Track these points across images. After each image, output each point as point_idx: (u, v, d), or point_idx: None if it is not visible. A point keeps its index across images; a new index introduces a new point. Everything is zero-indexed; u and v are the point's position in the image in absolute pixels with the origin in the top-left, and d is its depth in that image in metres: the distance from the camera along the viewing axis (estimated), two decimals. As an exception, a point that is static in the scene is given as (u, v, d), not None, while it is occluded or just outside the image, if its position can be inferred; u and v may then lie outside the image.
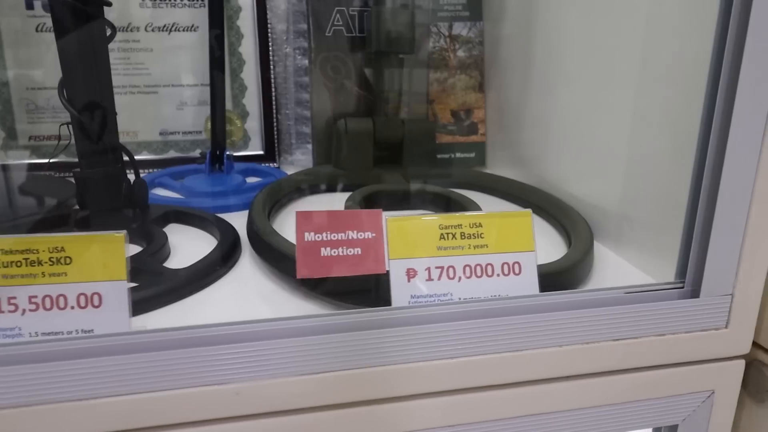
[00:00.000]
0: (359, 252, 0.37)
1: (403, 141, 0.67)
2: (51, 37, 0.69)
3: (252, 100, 0.75)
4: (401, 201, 0.60)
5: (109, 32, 0.49)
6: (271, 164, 0.76)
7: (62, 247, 0.33)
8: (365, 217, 0.38)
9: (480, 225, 0.38)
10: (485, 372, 0.36)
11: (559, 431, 0.37)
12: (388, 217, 0.37)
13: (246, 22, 0.73)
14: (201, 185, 0.66)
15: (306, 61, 0.72)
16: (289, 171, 0.73)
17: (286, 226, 0.55)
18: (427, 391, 0.35)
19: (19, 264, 0.33)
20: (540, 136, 0.65)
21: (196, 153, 0.74)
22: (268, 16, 0.73)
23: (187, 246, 0.50)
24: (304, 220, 0.36)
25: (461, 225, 0.38)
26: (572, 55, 0.57)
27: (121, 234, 0.34)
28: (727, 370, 0.38)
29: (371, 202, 0.57)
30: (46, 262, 0.33)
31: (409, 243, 0.38)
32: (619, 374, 0.37)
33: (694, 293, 0.37)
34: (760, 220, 0.35)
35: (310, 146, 0.75)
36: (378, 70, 0.68)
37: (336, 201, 0.62)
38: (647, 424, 0.39)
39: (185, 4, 0.71)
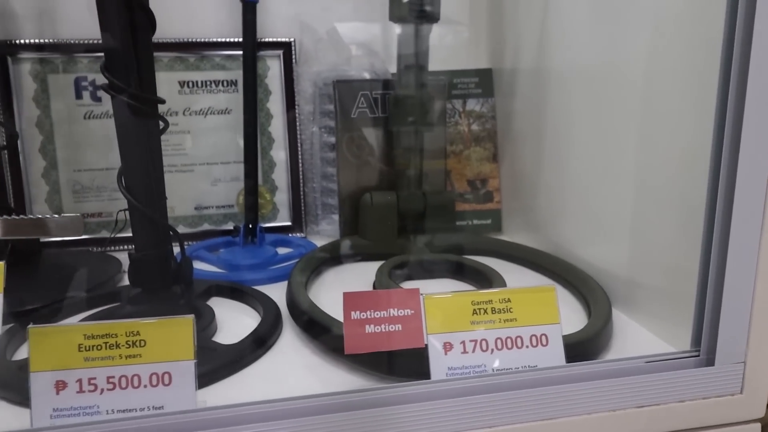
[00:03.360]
0: (400, 328, 0.41)
1: (425, 212, 0.71)
2: (98, 123, 0.76)
3: (281, 175, 0.81)
4: (426, 270, 0.63)
5: (162, 126, 0.55)
6: (298, 234, 0.80)
7: (138, 331, 0.37)
8: (404, 295, 0.41)
9: (509, 300, 0.42)
10: (520, 439, 0.38)
11: (591, 495, 0.39)
12: (424, 294, 0.41)
13: (275, 105, 0.79)
14: (236, 258, 0.70)
15: (331, 138, 0.78)
16: (316, 240, 0.77)
17: (321, 294, 0.59)
18: (467, 458, 0.38)
19: (99, 348, 0.37)
20: (553, 204, 0.69)
21: (230, 226, 0.79)
22: (296, 99, 0.79)
23: (231, 319, 0.54)
24: (350, 300, 0.40)
25: (491, 300, 0.42)
26: (580, 127, 0.62)
27: (190, 318, 0.38)
28: (744, 433, 0.41)
29: (399, 271, 0.61)
30: (123, 345, 0.37)
31: (445, 318, 0.41)
32: (644, 439, 0.40)
33: (709, 361, 0.40)
34: (765, 293, 0.39)
35: (335, 216, 0.79)
36: (399, 146, 0.73)
37: (365, 270, 0.66)
38: (673, 487, 0.42)
39: (220, 90, 0.78)
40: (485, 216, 0.82)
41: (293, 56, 0.78)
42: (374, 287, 0.60)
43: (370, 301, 0.41)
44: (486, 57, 0.84)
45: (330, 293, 0.60)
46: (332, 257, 0.68)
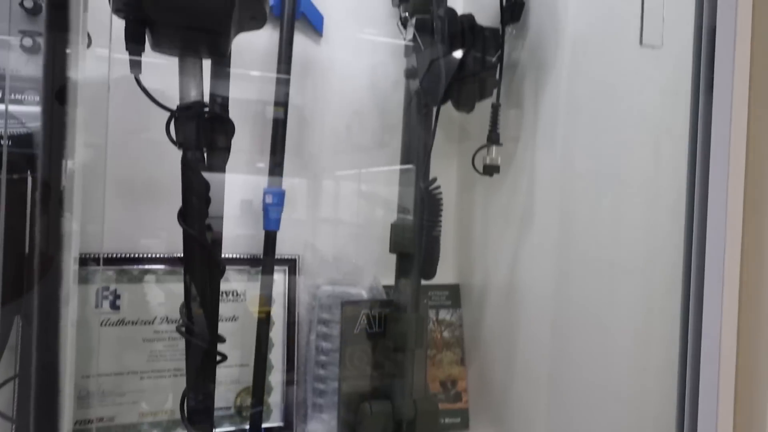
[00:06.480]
0: None
1: (415, 418, 0.81)
2: (112, 330, 0.80)
3: (276, 377, 0.88)
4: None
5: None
6: (289, 435, 0.87)
7: None
8: None
9: None
10: None
11: None
12: None
13: (277, 312, 0.88)
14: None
15: (326, 344, 0.87)
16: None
17: None
18: None
19: None
20: (523, 402, 0.82)
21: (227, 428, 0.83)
22: (296, 309, 0.89)
23: None
24: None
25: None
26: (543, 333, 0.77)
27: None
28: None
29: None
30: None
31: None
32: None
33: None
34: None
35: (324, 416, 0.87)
36: (393, 360, 0.84)
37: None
38: None
39: (229, 300, 0.86)
40: (455, 414, 0.93)
41: (297, 271, 0.90)
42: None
43: None
44: (453, 273, 1.01)
45: None
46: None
